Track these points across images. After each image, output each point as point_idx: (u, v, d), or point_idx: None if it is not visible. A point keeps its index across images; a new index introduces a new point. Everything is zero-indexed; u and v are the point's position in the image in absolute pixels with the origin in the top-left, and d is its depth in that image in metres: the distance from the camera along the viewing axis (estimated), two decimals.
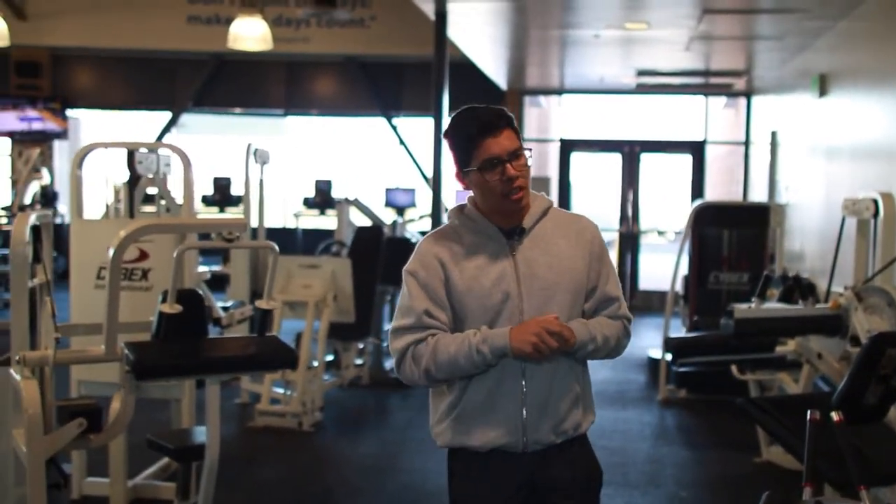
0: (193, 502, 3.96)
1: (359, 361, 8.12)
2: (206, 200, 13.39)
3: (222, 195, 13.39)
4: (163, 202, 5.63)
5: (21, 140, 14.70)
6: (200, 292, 3.79)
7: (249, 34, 9.73)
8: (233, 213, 12.78)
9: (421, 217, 11.99)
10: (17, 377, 3.42)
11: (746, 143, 14.14)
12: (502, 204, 2.53)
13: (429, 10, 8.40)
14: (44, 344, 3.87)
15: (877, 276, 5.10)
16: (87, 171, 5.18)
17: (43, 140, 14.76)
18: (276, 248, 3.61)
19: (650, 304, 12.91)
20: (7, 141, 14.95)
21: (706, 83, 12.98)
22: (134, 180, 5.49)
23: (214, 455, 3.78)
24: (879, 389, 3.85)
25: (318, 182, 13.83)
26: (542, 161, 14.22)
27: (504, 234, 2.57)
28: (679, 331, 8.61)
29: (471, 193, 2.64)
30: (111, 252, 3.28)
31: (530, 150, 2.60)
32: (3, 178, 14.64)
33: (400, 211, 12.97)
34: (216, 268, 8.13)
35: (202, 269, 6.33)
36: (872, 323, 4.89)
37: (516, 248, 2.56)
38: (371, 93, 14.82)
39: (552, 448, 2.58)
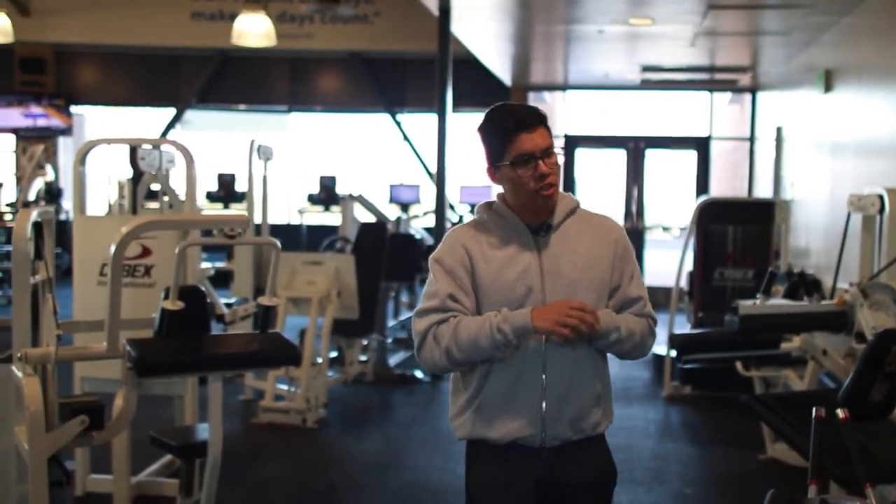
0: (196, 499, 3.94)
1: (363, 358, 8.11)
2: (211, 197, 13.37)
3: (226, 191, 13.37)
4: (166, 198, 5.61)
5: (25, 137, 14.73)
6: (203, 289, 3.78)
7: (253, 30, 9.73)
8: (237, 210, 12.76)
9: (425, 213, 11.98)
10: (19, 374, 3.41)
11: (751, 139, 14.11)
12: (533, 200, 2.57)
13: (432, 5, 8.39)
14: (45, 341, 3.86)
15: (882, 272, 5.08)
16: (92, 167, 5.17)
17: (47, 137, 14.78)
18: (279, 244, 3.60)
19: (655, 300, 12.62)
20: (11, 137, 14.97)
21: (711, 79, 12.95)
22: (137, 177, 5.48)
23: (217, 452, 3.77)
24: (885, 386, 3.82)
25: (322, 178, 13.81)
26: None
27: (531, 230, 2.61)
28: (684, 327, 8.58)
29: (500, 190, 2.69)
30: (113, 249, 3.27)
31: (562, 149, 2.62)
32: (7, 174, 14.65)
33: (404, 207, 12.95)
34: (220, 264, 8.10)
35: (205, 265, 6.30)
36: (878, 319, 4.87)
37: (542, 244, 2.60)
38: (375, 89, 14.80)
39: (569, 445, 2.61)
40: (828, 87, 8.63)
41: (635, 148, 13.57)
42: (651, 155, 13.98)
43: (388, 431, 6.66)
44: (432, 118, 8.59)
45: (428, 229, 9.93)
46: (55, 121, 14.91)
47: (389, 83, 14.82)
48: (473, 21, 9.09)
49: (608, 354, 2.69)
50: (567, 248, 2.60)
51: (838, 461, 3.39)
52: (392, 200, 13.32)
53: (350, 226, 8.83)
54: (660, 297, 12.71)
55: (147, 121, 15.96)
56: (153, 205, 6.91)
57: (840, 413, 3.20)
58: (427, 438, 6.44)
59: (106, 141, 5.37)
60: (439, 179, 8.51)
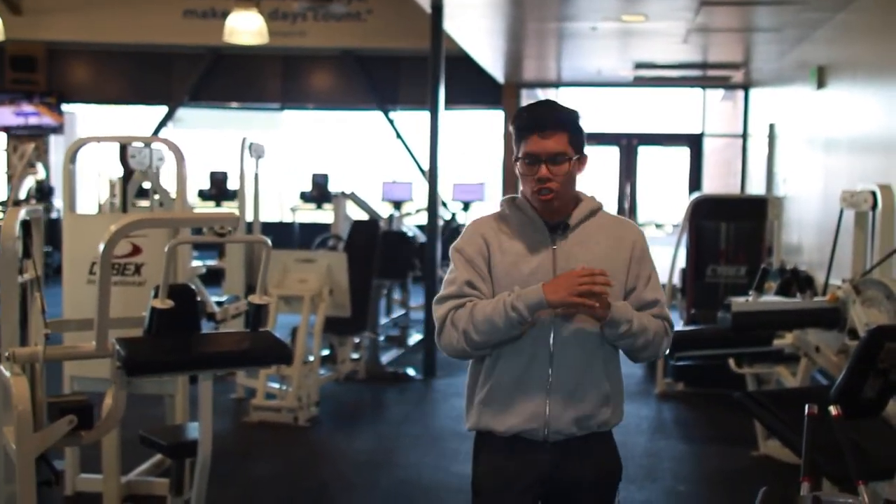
0: (187, 499, 3.93)
1: (355, 356, 8.09)
2: (203, 195, 13.33)
3: (219, 189, 13.34)
4: (156, 196, 5.59)
5: (16, 135, 14.68)
6: (193, 287, 3.76)
7: (245, 28, 9.71)
8: (229, 208, 12.72)
9: (418, 211, 11.96)
10: (7, 374, 3.39)
11: (744, 136, 14.12)
12: (532, 198, 2.64)
13: (425, 2, 8.36)
14: (34, 340, 3.83)
15: (875, 268, 5.07)
16: (82, 166, 5.15)
17: (38, 135, 14.74)
18: (269, 242, 3.58)
19: None
20: (2, 136, 14.92)
21: (704, 76, 12.95)
22: (127, 175, 5.46)
23: (207, 451, 3.75)
24: (878, 383, 3.82)
25: (314, 176, 13.79)
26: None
27: (549, 227, 2.65)
28: (677, 324, 8.56)
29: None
30: (102, 247, 3.25)
31: (579, 157, 2.63)
32: None
33: (397, 205, 12.93)
34: (211, 262, 8.09)
35: (197, 263, 6.28)
36: (870, 316, 4.87)
37: (558, 242, 2.65)
38: (368, 86, 14.79)
39: (574, 440, 2.63)
40: (820, 84, 8.63)
41: (628, 145, 13.57)
42: (644, 152, 13.99)
43: (380, 429, 6.65)
44: (425, 116, 8.57)
45: (420, 227, 9.92)
46: (47, 119, 14.86)
47: (382, 81, 14.80)
48: (466, 18, 9.08)
49: (620, 355, 2.71)
50: (583, 248, 2.64)
51: (831, 458, 3.38)
52: (384, 198, 13.30)
53: (342, 223, 8.81)
54: None
55: (139, 119, 15.90)
56: (144, 203, 6.88)
57: (833, 410, 3.19)
58: (419, 436, 6.43)
59: (96, 139, 5.35)
60: (432, 177, 8.48)
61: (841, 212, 5.43)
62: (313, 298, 6.85)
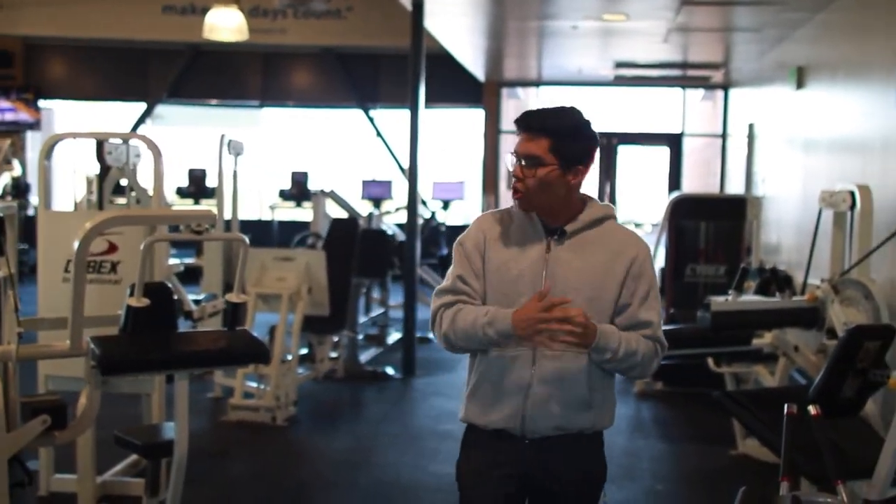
0: (163, 499, 3.88)
1: (333, 355, 8.05)
2: (181, 192, 13.27)
3: (197, 187, 13.27)
4: (133, 194, 5.54)
5: None
6: (170, 285, 3.72)
7: (225, 25, 9.65)
8: (208, 205, 12.64)
9: (397, 209, 11.92)
10: None
11: (723, 136, 14.16)
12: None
13: (406, 0, 8.34)
14: (7, 339, 3.78)
15: (853, 268, 5.09)
16: (59, 162, 5.09)
17: (15, 131, 14.59)
18: (247, 240, 3.55)
19: None
20: None
21: (684, 75, 12.98)
22: (104, 172, 5.40)
23: (183, 452, 3.71)
24: (856, 382, 3.83)
25: (294, 174, 13.74)
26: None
27: (547, 231, 2.64)
28: None
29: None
30: (76, 244, 3.21)
31: (565, 167, 2.60)
32: None
33: (376, 203, 12.91)
34: (189, 260, 8.03)
35: (174, 261, 6.23)
36: (849, 315, 4.88)
37: (553, 247, 2.63)
38: (348, 84, 14.74)
39: (553, 438, 2.64)
40: (800, 84, 8.65)
41: (608, 144, 13.59)
42: (624, 151, 14.00)
43: (358, 429, 6.62)
44: (405, 114, 8.54)
45: (400, 225, 9.88)
46: (23, 115, 14.72)
47: (362, 79, 14.76)
48: (447, 16, 9.06)
49: None
50: (577, 256, 2.63)
51: (810, 458, 3.38)
52: (364, 196, 13.27)
53: (321, 221, 8.76)
54: None
55: (117, 115, 15.80)
56: (121, 200, 6.82)
57: (812, 409, 3.19)
58: (398, 435, 6.40)
59: (72, 135, 5.29)
60: (412, 175, 8.46)
61: (820, 212, 5.45)
62: (292, 297, 6.81)
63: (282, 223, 14.03)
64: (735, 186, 12.63)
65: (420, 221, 9.42)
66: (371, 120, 14.88)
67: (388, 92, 14.53)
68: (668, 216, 8.19)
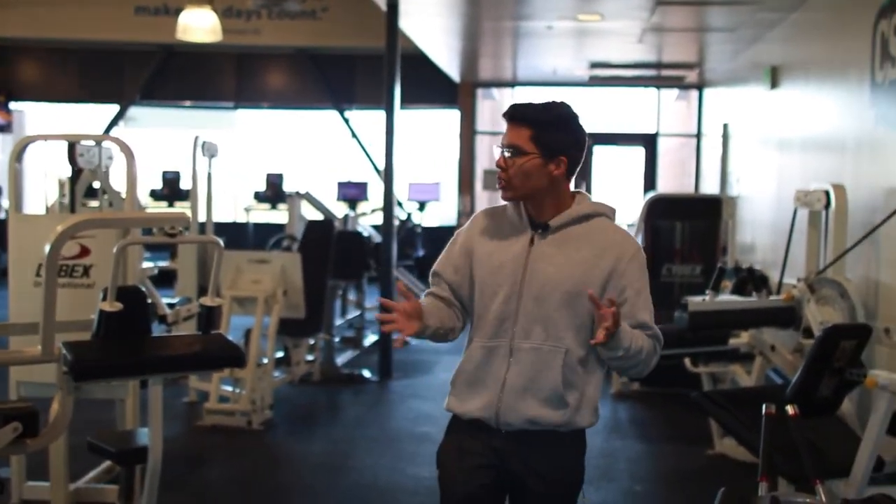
0: None
1: (309, 358, 8.02)
2: (155, 195, 13.17)
3: (171, 189, 13.18)
4: (106, 196, 5.48)
5: None
6: (144, 289, 3.67)
7: (199, 25, 9.56)
8: (182, 208, 12.56)
9: (373, 211, 11.89)
10: None
11: (698, 136, 14.21)
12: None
13: (381, 1, 8.31)
14: None
15: (829, 267, 5.11)
16: (31, 164, 5.03)
17: None
18: (221, 242, 3.51)
19: None
20: None
21: (658, 75, 13.02)
22: (76, 174, 5.34)
23: (157, 457, 3.67)
24: (833, 382, 3.84)
25: (269, 176, 13.69)
26: (492, 154, 14.19)
27: (534, 225, 2.67)
28: None
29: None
30: (47, 248, 3.16)
31: (547, 157, 2.62)
32: None
33: (352, 205, 12.87)
34: (163, 263, 7.95)
35: (148, 264, 6.17)
36: (825, 314, 4.90)
37: (537, 240, 2.66)
38: (323, 85, 14.70)
39: (528, 432, 2.65)
40: (774, 84, 8.69)
41: None
42: (599, 151, 14.02)
43: (335, 432, 6.58)
44: (380, 115, 8.51)
45: (376, 227, 9.85)
46: None
47: (337, 79, 14.72)
48: (421, 17, 9.04)
49: (595, 360, 2.69)
50: (559, 251, 2.64)
51: (787, 458, 3.39)
52: (340, 198, 13.23)
53: (297, 224, 8.72)
54: None
55: (90, 117, 15.67)
56: (93, 203, 6.76)
57: (789, 409, 3.19)
58: (375, 439, 6.37)
59: (43, 137, 5.23)
60: (387, 177, 8.43)
61: (795, 211, 5.47)
62: (267, 300, 6.77)
63: (257, 225, 13.97)
64: (710, 186, 12.68)
65: (396, 223, 9.39)
66: (346, 121, 14.85)
67: (363, 93, 14.50)
68: (644, 216, 8.21)
